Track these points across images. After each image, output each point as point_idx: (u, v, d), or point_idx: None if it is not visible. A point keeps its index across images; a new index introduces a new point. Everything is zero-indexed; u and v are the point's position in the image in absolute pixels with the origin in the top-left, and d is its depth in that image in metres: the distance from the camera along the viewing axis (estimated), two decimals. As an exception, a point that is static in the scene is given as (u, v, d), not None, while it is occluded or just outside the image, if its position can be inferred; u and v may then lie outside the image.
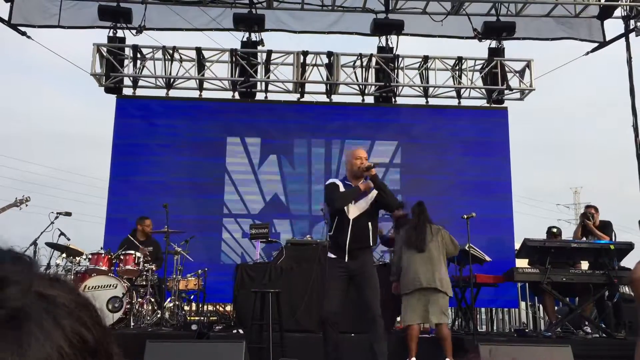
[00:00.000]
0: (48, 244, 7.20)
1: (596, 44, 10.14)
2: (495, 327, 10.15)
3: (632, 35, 9.92)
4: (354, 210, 5.02)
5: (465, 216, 6.42)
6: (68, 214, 7.32)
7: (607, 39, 10.07)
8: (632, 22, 9.92)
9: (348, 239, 4.94)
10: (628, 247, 6.98)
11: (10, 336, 0.45)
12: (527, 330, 8.30)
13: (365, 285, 4.94)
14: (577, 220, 8.39)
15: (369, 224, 5.01)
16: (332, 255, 5.08)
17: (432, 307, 5.66)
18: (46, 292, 0.49)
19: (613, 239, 7.55)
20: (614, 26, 10.16)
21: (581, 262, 7.65)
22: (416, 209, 6.08)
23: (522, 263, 8.02)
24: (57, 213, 7.19)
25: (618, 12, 9.97)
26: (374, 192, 5.07)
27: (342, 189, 5.10)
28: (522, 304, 10.41)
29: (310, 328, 6.46)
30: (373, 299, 4.89)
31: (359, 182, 5.09)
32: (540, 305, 9.01)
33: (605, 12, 9.90)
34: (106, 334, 0.53)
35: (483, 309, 10.15)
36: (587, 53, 10.21)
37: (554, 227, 8.36)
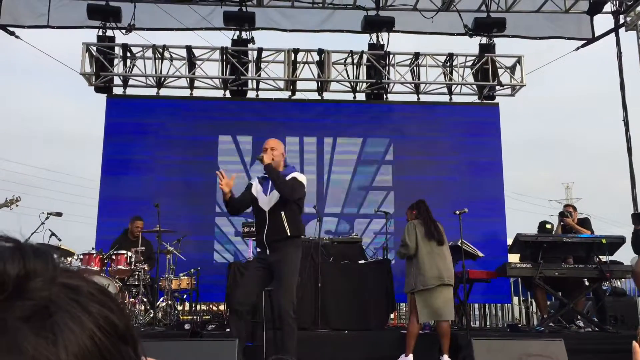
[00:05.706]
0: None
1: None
2: (488, 323, 10.17)
3: (621, 30, 9.97)
4: (266, 202, 4.89)
5: (458, 212, 6.41)
6: (59, 214, 7.27)
7: (597, 34, 10.12)
8: (621, 17, 9.97)
9: (265, 231, 4.82)
10: (620, 241, 7.00)
11: (42, 325, 0.46)
12: (520, 325, 8.31)
13: (277, 279, 4.81)
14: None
15: (282, 213, 4.83)
16: (258, 249, 5.07)
17: (449, 303, 5.64)
18: (70, 282, 0.50)
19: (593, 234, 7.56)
20: (604, 21, 10.22)
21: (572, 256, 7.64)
22: (422, 205, 6.04)
23: (514, 258, 8.03)
24: (48, 213, 7.13)
25: (607, 7, 10.03)
26: None
27: (254, 185, 5.05)
28: (515, 299, 10.44)
29: (303, 325, 6.44)
30: (282, 295, 4.76)
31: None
32: (533, 300, 9.03)
33: (595, 8, 9.95)
34: (131, 320, 0.55)
35: (476, 305, 10.18)
36: (577, 48, 10.26)
37: (547, 222, 8.31)
